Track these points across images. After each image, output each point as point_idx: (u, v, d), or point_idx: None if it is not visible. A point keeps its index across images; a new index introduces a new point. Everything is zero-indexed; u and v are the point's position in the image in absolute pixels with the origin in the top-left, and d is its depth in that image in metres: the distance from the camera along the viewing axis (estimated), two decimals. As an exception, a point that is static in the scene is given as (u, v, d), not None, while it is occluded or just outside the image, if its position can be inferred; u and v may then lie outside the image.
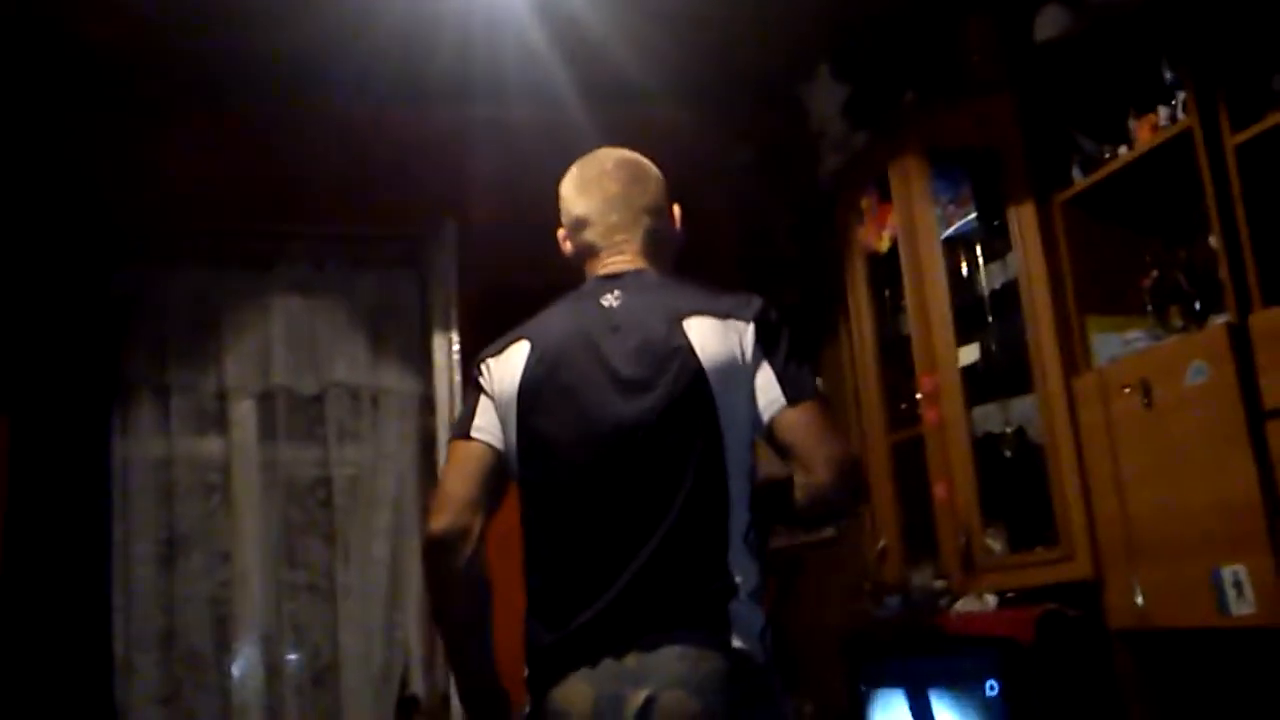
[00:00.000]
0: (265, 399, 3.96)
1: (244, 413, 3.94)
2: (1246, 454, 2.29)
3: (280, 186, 3.94)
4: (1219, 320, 2.48)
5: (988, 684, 2.70)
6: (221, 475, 3.91)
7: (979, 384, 3.10)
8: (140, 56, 3.63)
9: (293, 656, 3.86)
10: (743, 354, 1.88)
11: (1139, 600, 2.56)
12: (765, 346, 1.89)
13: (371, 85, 3.86)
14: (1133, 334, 2.74)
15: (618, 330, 1.94)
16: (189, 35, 3.54)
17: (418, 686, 3.95)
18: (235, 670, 3.79)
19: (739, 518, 1.85)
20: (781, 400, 1.86)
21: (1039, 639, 2.64)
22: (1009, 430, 3.02)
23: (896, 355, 3.41)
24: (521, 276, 4.05)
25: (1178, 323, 2.65)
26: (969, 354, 3.14)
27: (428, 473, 4.04)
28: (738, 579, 1.81)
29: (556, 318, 2.03)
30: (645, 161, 2.16)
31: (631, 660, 1.76)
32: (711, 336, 1.89)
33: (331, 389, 4.00)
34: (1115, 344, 2.77)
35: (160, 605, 3.72)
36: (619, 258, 2.07)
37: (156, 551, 3.75)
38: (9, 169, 3.68)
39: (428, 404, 4.06)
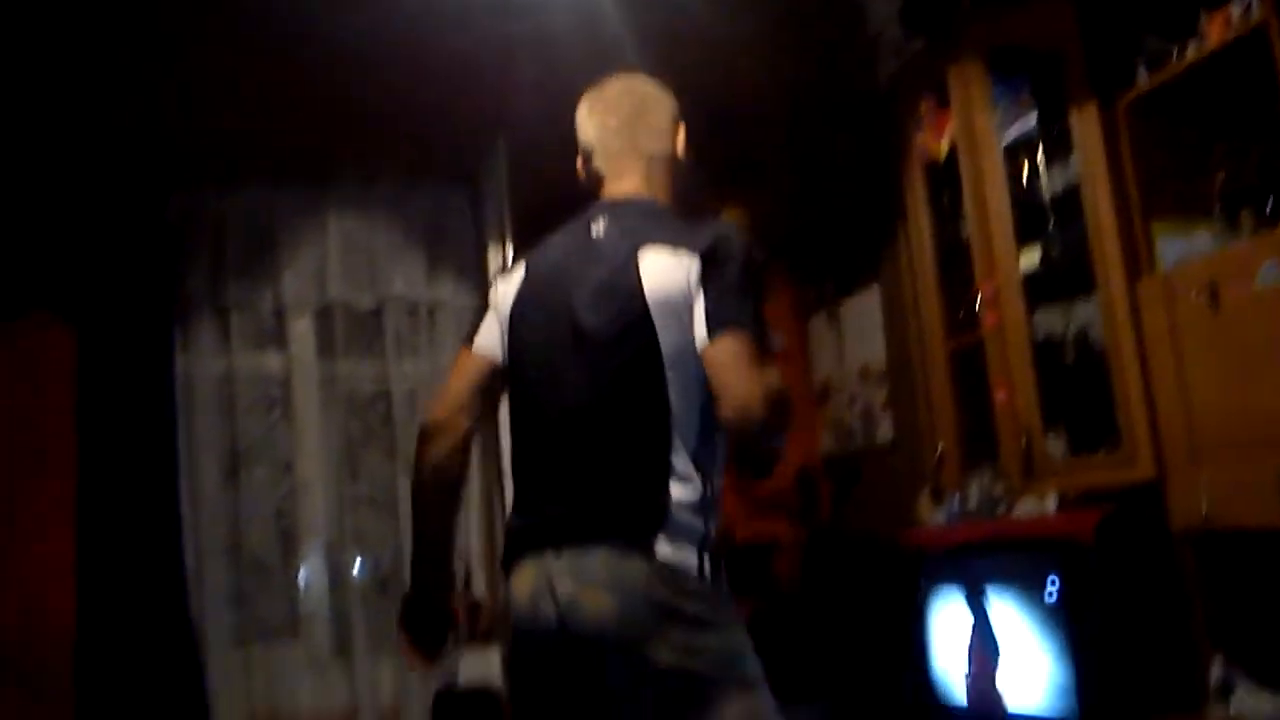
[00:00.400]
0: (323, 314, 4.01)
1: (302, 328, 4.00)
2: (1318, 354, 2.28)
3: (332, 107, 3.92)
4: (1292, 220, 2.44)
5: (1048, 585, 2.71)
6: (282, 390, 3.98)
7: (1040, 288, 3.08)
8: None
9: (356, 566, 3.95)
10: (687, 287, 1.96)
11: (1203, 502, 2.56)
12: (704, 279, 1.96)
13: (418, 3, 3.83)
14: (1199, 236, 2.70)
15: (595, 262, 2.06)
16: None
17: (478, 592, 4.04)
18: (301, 579, 3.89)
19: (686, 442, 1.95)
20: (704, 335, 1.93)
21: (1099, 540, 2.65)
22: (1070, 334, 3.00)
23: (956, 261, 3.38)
24: (573, 188, 4.07)
25: (1248, 224, 2.60)
26: (1030, 258, 3.11)
27: (484, 384, 4.08)
28: (675, 495, 1.92)
29: (553, 244, 2.18)
30: (652, 88, 2.25)
31: (567, 556, 1.92)
32: (660, 269, 1.98)
33: (389, 303, 4.03)
34: (1181, 247, 2.74)
35: (227, 517, 3.81)
36: (619, 184, 2.17)
37: (221, 465, 3.83)
38: (70, 93, 3.69)
39: (484, 317, 4.09)
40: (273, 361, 3.98)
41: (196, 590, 3.68)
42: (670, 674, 1.88)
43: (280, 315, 3.98)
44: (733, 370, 1.89)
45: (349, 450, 4.03)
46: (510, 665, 2.15)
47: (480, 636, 3.89)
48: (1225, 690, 2.52)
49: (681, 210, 2.21)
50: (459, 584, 3.90)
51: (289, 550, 3.88)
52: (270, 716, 3.70)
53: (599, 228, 2.11)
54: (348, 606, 3.87)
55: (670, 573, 1.89)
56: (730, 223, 2.06)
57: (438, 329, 4.09)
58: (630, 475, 1.96)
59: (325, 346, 4.02)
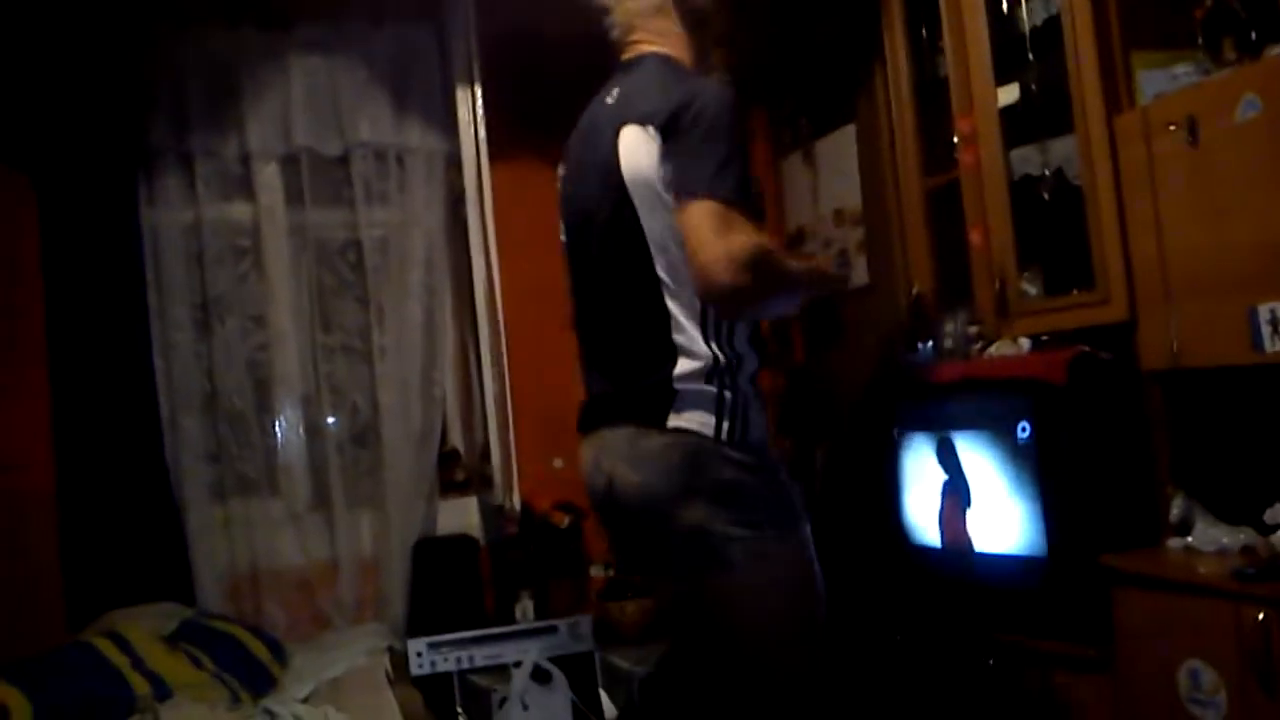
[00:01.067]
0: (289, 162, 3.92)
1: (269, 176, 3.91)
2: (1294, 190, 2.23)
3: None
4: (1276, 51, 2.36)
5: (1020, 426, 2.72)
6: (251, 240, 3.91)
7: (1018, 125, 3.00)
8: None
9: (332, 417, 3.94)
10: (654, 163, 1.96)
11: (1173, 341, 2.54)
12: (666, 153, 1.95)
13: None
14: (1181, 69, 2.62)
15: (596, 141, 2.08)
16: None
17: (458, 441, 4.06)
18: (277, 430, 3.89)
19: (690, 315, 1.98)
20: (673, 205, 1.93)
21: (1071, 380, 2.64)
22: (1048, 172, 2.94)
23: (933, 98, 3.30)
24: (546, 22, 3.95)
25: (1231, 55, 2.51)
26: (1008, 94, 3.02)
27: (457, 231, 4.03)
28: (681, 369, 1.98)
29: (581, 121, 2.20)
30: None
31: (605, 434, 2.09)
32: (634, 148, 1.99)
33: (356, 149, 3.93)
34: (1162, 80, 2.65)
35: (200, 368, 3.78)
36: (629, 43, 2.16)
37: (192, 316, 3.79)
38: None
39: (454, 161, 4.00)
40: (240, 211, 3.90)
41: (173, 444, 3.68)
42: (692, 535, 1.97)
43: (246, 163, 3.88)
44: (693, 239, 1.87)
45: (321, 300, 3.98)
46: None
47: (457, 486, 3.94)
48: (1184, 525, 2.55)
49: (708, 44, 2.17)
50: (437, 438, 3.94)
51: (264, 403, 3.87)
52: (250, 570, 3.73)
53: (610, 98, 2.12)
54: (325, 459, 3.89)
55: (687, 440, 1.97)
56: (705, 81, 2.01)
57: (407, 174, 3.99)
58: (639, 356, 2.04)
59: (293, 195, 3.93)
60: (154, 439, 3.61)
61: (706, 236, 1.85)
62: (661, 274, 1.99)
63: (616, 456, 2.03)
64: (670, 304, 1.99)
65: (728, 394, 1.98)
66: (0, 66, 3.51)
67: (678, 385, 1.98)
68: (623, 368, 2.08)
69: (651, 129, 1.96)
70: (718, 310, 1.97)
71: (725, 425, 1.97)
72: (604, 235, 2.06)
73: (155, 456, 3.60)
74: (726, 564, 1.95)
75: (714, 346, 1.99)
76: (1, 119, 3.53)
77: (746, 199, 1.91)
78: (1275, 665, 2.14)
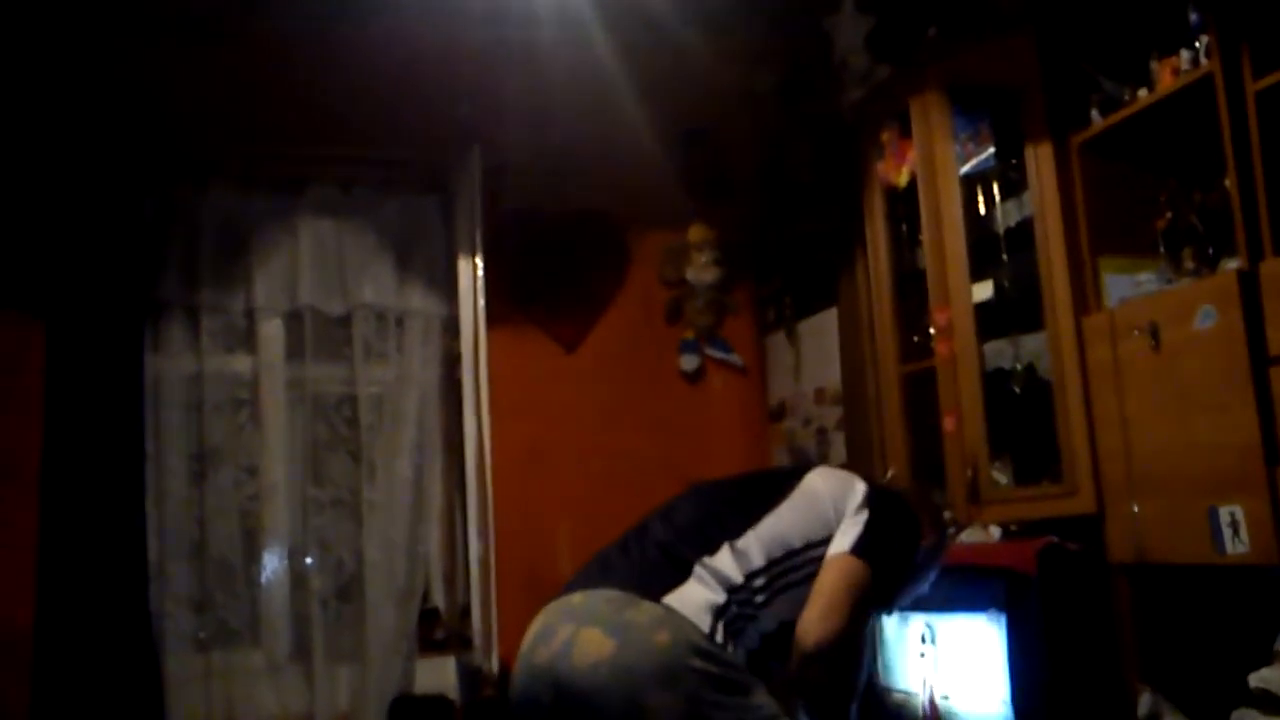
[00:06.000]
0: (293, 318, 4.04)
1: (272, 331, 4.02)
2: (1249, 399, 2.34)
3: (311, 110, 4.00)
4: (1231, 265, 2.51)
5: (989, 614, 2.78)
6: (249, 392, 4.00)
7: (991, 320, 3.15)
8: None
9: (317, 569, 3.96)
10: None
11: (1138, 536, 2.63)
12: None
13: (402, 9, 3.89)
14: (1144, 275, 2.77)
15: None
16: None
17: (439, 600, 4.08)
18: (263, 581, 3.92)
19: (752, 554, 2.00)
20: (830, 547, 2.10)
21: (1041, 571, 2.72)
22: (1019, 366, 3.07)
23: (911, 288, 3.45)
24: (546, 202, 4.15)
25: (1190, 265, 2.68)
26: (982, 290, 3.17)
27: (450, 392, 4.13)
28: (712, 559, 1.96)
29: None
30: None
31: (577, 597, 1.94)
32: None
33: (358, 309, 4.06)
34: (1127, 285, 2.81)
35: (191, 516, 3.83)
36: None
37: (187, 465, 3.86)
38: (51, 86, 3.73)
39: (451, 326, 4.13)
40: (241, 363, 4.01)
41: (158, 592, 3.71)
42: None
43: (251, 318, 4.00)
44: (823, 589, 1.99)
45: (314, 453, 4.06)
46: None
47: (436, 645, 3.95)
48: (1152, 720, 2.60)
49: None
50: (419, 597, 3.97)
51: (252, 553, 3.91)
52: (227, 721, 3.72)
53: None
54: (308, 611, 3.91)
55: (678, 623, 1.85)
56: None
57: (406, 336, 4.12)
58: (689, 534, 2.03)
59: (294, 350, 4.05)
60: (140, 585, 3.63)
61: (832, 598, 1.96)
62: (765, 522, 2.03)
63: (587, 620, 1.85)
64: (747, 540, 1.99)
65: (734, 608, 1.91)
66: (19, 213, 3.67)
67: (697, 567, 1.92)
68: (664, 539, 2.02)
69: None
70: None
71: (720, 627, 1.88)
72: None
73: (140, 603, 3.62)
74: None
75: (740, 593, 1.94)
76: (17, 262, 3.67)
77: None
78: None
